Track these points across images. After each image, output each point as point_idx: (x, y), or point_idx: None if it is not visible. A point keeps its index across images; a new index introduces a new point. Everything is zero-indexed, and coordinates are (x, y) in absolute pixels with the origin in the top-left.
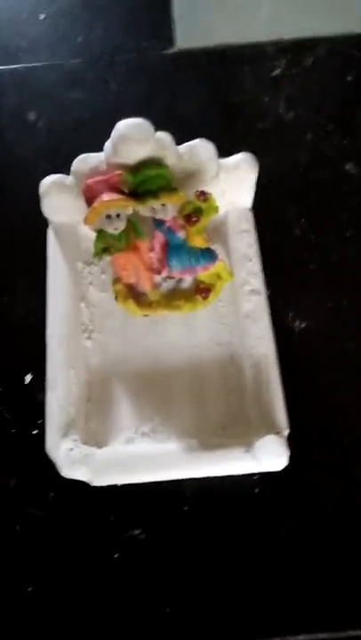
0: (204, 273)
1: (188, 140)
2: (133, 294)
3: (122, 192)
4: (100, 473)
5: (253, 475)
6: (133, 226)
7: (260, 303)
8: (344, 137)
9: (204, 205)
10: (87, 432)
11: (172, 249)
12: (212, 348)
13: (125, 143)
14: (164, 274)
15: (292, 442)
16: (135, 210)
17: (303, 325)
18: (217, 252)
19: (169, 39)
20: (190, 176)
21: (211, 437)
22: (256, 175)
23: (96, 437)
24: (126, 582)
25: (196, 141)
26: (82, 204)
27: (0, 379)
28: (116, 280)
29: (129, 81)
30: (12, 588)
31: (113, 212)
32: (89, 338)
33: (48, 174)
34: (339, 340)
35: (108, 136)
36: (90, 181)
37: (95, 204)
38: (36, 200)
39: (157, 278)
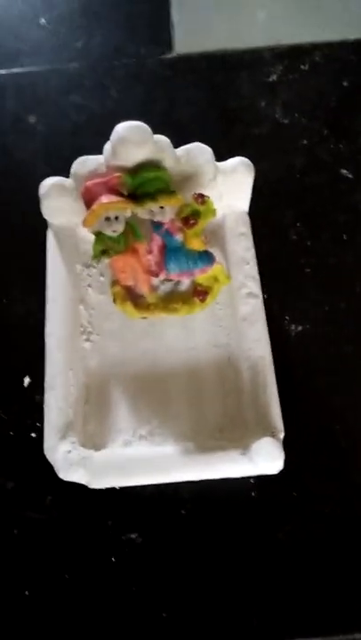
0: (202, 276)
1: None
2: (131, 296)
3: (121, 194)
4: (97, 475)
5: (250, 478)
6: (132, 228)
7: (257, 306)
8: (340, 142)
9: (201, 208)
10: (85, 434)
11: (170, 251)
12: (210, 351)
13: (124, 145)
14: (162, 276)
15: (289, 445)
16: (134, 212)
17: (300, 329)
18: (214, 255)
19: (168, 44)
20: (188, 179)
21: (208, 440)
22: (253, 178)
23: (94, 440)
24: (123, 586)
25: (194, 144)
26: (81, 206)
27: None
28: (115, 282)
29: (128, 85)
30: (9, 591)
31: (112, 215)
32: (87, 340)
33: (47, 177)
34: (336, 344)
35: (106, 140)
36: (89, 183)
37: (94, 207)
38: (35, 203)
39: (155, 281)
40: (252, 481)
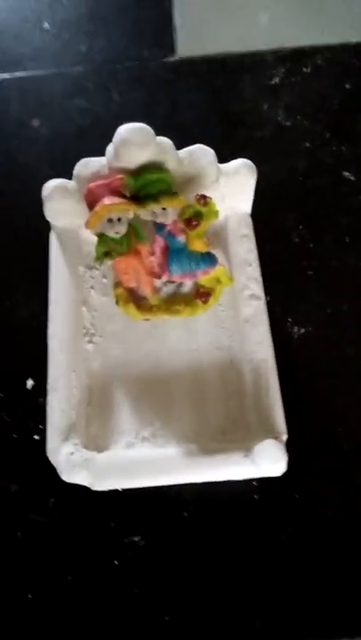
0: (205, 277)
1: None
2: (134, 298)
3: (123, 196)
4: (100, 477)
5: (253, 481)
6: (135, 230)
7: (260, 308)
8: (342, 144)
9: (204, 209)
10: (88, 436)
11: (173, 253)
12: (212, 353)
13: (127, 147)
14: (165, 278)
15: (292, 447)
16: (136, 214)
17: (302, 331)
18: (217, 256)
19: (170, 48)
20: (190, 181)
21: (210, 442)
22: (255, 180)
23: (97, 441)
24: (126, 589)
25: (196, 146)
26: (84, 208)
27: (1, 383)
28: (117, 284)
29: (130, 89)
30: (12, 594)
31: (114, 216)
32: (90, 342)
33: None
34: (338, 346)
35: (110, 143)
36: (91, 185)
37: (97, 208)
38: (38, 205)
39: (158, 283)
40: (254, 483)
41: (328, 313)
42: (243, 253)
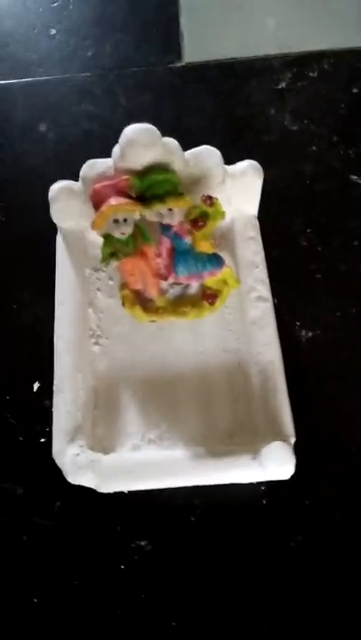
0: (211, 279)
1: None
2: (140, 300)
3: (129, 197)
4: (106, 479)
5: (261, 485)
6: (141, 231)
7: (267, 310)
8: (350, 148)
9: (210, 210)
10: (94, 438)
11: (179, 254)
12: (219, 355)
13: (133, 147)
14: (171, 280)
15: (301, 451)
16: (142, 214)
17: (310, 335)
18: (224, 258)
19: (177, 53)
20: (197, 182)
21: (217, 445)
22: (262, 181)
23: (103, 443)
24: (132, 594)
25: (202, 147)
26: (90, 210)
27: (8, 386)
28: (124, 286)
29: (138, 94)
30: (17, 598)
31: (120, 217)
32: (96, 343)
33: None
34: (347, 349)
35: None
36: (97, 186)
37: (103, 209)
38: (46, 209)
39: (164, 284)
40: (262, 488)
41: (336, 316)
42: (250, 255)
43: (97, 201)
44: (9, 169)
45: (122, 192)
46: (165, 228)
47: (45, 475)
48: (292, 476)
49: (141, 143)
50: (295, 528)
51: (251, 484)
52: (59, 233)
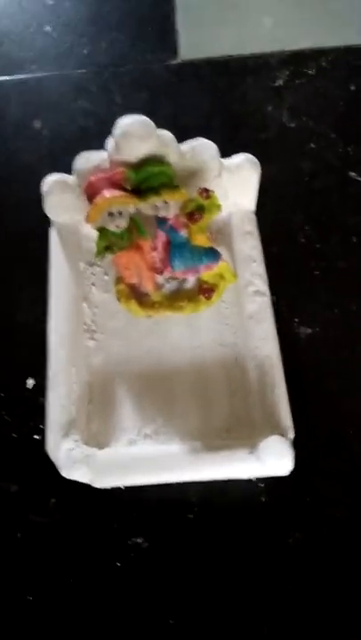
0: (207, 273)
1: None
2: (136, 295)
3: (124, 189)
4: (101, 474)
5: (259, 482)
6: (136, 224)
7: (264, 304)
8: (348, 145)
9: (206, 203)
10: (89, 433)
11: (175, 248)
12: (216, 349)
13: (127, 139)
14: (167, 274)
15: (300, 449)
16: (137, 207)
17: (309, 332)
18: (220, 252)
19: (173, 50)
20: (193, 175)
21: (214, 440)
22: (258, 175)
23: (98, 439)
24: (128, 592)
25: (198, 140)
26: (84, 203)
27: (1, 383)
28: (119, 280)
29: (133, 92)
30: (12, 596)
31: (115, 210)
32: (91, 338)
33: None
34: (346, 346)
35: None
36: (92, 178)
37: (97, 201)
38: (40, 206)
39: (160, 279)
40: (261, 485)
41: (335, 313)
42: (247, 250)
43: (91, 194)
44: (3, 166)
45: (117, 185)
46: (161, 222)
47: (40, 472)
48: (291, 474)
49: (136, 135)
50: (294, 525)
51: (249, 481)
52: (52, 227)
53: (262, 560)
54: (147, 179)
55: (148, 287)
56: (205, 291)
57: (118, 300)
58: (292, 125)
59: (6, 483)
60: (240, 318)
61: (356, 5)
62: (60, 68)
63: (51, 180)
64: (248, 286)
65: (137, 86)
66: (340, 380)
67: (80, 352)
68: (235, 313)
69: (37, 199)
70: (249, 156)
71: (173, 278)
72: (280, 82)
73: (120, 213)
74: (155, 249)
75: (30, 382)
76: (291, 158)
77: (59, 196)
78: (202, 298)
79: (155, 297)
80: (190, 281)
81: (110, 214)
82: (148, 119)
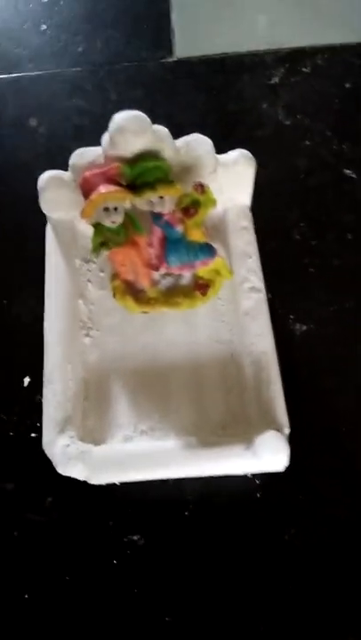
0: (203, 269)
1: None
2: (132, 291)
3: (119, 184)
4: (97, 470)
5: (255, 479)
6: (132, 220)
7: (260, 300)
8: (343, 142)
9: (201, 197)
10: (85, 430)
11: (171, 243)
12: (212, 346)
13: (122, 134)
14: (163, 270)
15: (295, 446)
16: (133, 203)
17: (304, 329)
18: (216, 248)
19: (168, 49)
20: (188, 170)
21: (210, 436)
22: (254, 170)
23: (94, 435)
24: (125, 589)
25: (193, 136)
26: (79, 199)
27: None
28: (115, 276)
29: (129, 90)
30: (8, 594)
31: (110, 205)
32: (87, 335)
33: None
34: (341, 343)
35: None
36: (87, 174)
37: (92, 197)
38: (36, 204)
39: (156, 275)
40: (257, 481)
41: (330, 310)
42: (242, 246)
43: (87, 189)
44: None
45: (112, 180)
46: (157, 217)
47: (36, 470)
48: (286, 470)
49: (131, 130)
50: (289, 522)
51: (245, 477)
52: (48, 223)
53: (258, 557)
54: (142, 174)
55: (143, 283)
56: (201, 287)
57: (114, 296)
58: (288, 123)
59: (3, 481)
60: (236, 315)
61: (351, 4)
62: (56, 66)
63: (46, 177)
64: (244, 282)
65: (132, 84)
66: (336, 377)
67: (76, 349)
68: (230, 310)
69: (33, 197)
70: (244, 151)
71: (169, 274)
72: (276, 79)
73: (115, 209)
74: (150, 245)
75: (27, 381)
76: (286, 156)
77: (54, 192)
78: (198, 294)
79: (150, 293)
80: (186, 277)
81: (106, 210)
82: (143, 114)
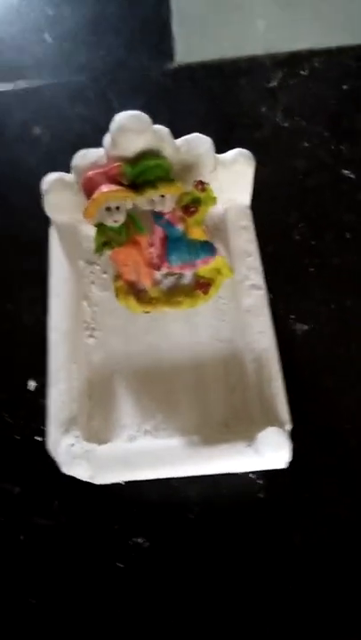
0: (204, 268)
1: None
2: (134, 291)
3: (121, 184)
4: (101, 469)
5: (258, 479)
6: (133, 220)
7: (261, 298)
8: (341, 143)
9: (202, 195)
10: (89, 430)
11: (172, 242)
12: (214, 345)
13: (124, 134)
14: (164, 269)
15: (296, 444)
16: (134, 202)
17: (305, 328)
18: (217, 247)
19: (169, 55)
20: (188, 169)
21: (213, 434)
22: (253, 169)
23: (98, 435)
24: (130, 592)
25: (193, 135)
26: (82, 201)
27: (3, 385)
28: (117, 277)
29: (130, 97)
30: (15, 598)
31: (112, 205)
32: (91, 336)
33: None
34: (341, 342)
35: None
36: (89, 173)
37: (95, 196)
38: (40, 209)
39: (157, 275)
40: (260, 482)
41: (331, 309)
42: (242, 244)
43: (89, 189)
44: (4, 171)
45: (114, 179)
46: (158, 217)
47: (43, 473)
48: (288, 469)
49: (132, 129)
50: (294, 522)
51: (247, 478)
52: (52, 226)
53: (263, 558)
54: (143, 172)
55: (145, 283)
56: (202, 286)
57: (116, 296)
58: (286, 125)
59: (9, 485)
60: (238, 314)
61: (347, 7)
62: (59, 75)
63: (50, 179)
64: (244, 280)
65: (134, 92)
66: (336, 376)
67: (80, 349)
68: (232, 309)
69: (37, 204)
70: (243, 150)
71: (171, 274)
72: (274, 83)
73: (117, 208)
74: (152, 245)
75: (32, 384)
76: (285, 157)
77: (58, 194)
78: (199, 293)
79: (152, 293)
80: (187, 276)
81: (108, 209)
82: (143, 114)
